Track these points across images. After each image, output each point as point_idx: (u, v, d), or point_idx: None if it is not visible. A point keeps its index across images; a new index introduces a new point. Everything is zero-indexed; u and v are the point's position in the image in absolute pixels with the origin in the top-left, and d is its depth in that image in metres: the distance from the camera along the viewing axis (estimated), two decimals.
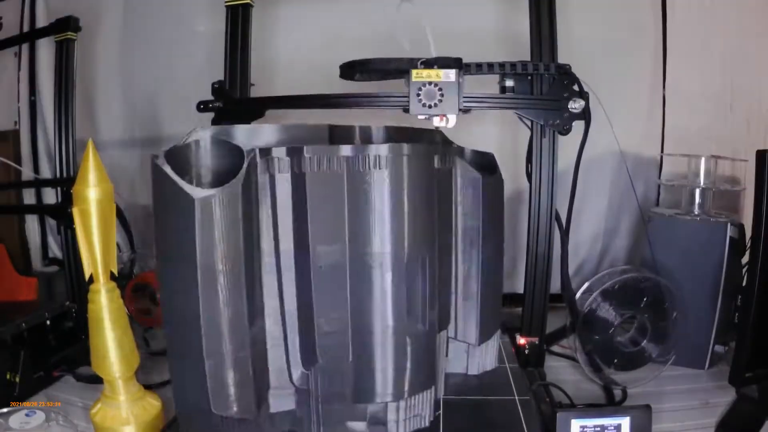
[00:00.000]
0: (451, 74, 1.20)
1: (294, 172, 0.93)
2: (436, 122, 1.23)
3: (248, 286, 0.89)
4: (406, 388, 0.98)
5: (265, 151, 0.92)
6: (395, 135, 1.06)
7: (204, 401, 0.87)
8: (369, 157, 0.92)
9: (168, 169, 0.84)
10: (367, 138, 1.06)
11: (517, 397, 1.15)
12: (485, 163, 1.24)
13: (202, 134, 0.93)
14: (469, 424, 1.06)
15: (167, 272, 0.90)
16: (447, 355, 1.22)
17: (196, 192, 0.83)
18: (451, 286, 1.19)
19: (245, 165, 0.88)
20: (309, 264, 0.94)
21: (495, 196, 1.24)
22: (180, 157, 0.89)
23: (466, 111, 1.27)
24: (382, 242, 0.93)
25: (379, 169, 0.92)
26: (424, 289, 0.99)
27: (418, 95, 1.20)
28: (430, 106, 1.20)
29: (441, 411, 1.08)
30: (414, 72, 1.20)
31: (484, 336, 1.22)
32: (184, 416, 0.94)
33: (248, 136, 0.96)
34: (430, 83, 1.20)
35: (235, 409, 0.89)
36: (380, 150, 0.92)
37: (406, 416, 1.00)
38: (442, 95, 1.20)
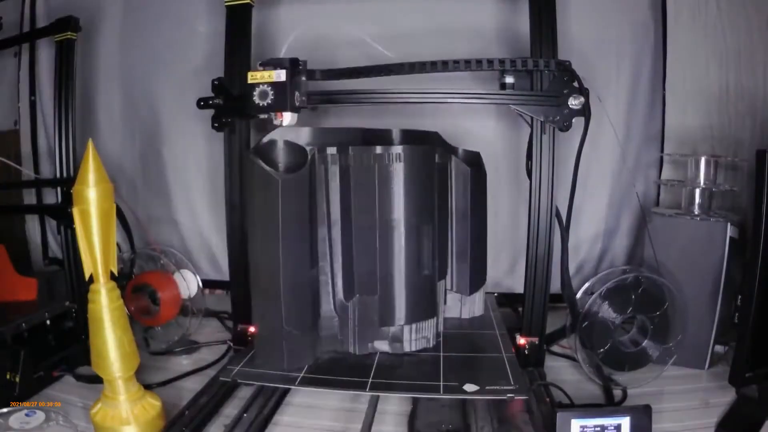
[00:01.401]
0: (282, 74, 1.29)
1: (341, 165, 1.33)
2: (275, 120, 1.32)
3: (311, 240, 1.31)
4: (416, 315, 1.37)
5: (321, 149, 1.32)
6: (407, 135, 1.39)
7: (278, 320, 1.24)
8: (392, 155, 1.31)
9: (259, 161, 1.22)
10: (388, 136, 1.38)
11: (497, 331, 1.52)
12: (473, 160, 1.56)
13: (276, 136, 1.28)
14: (461, 346, 1.42)
15: (258, 234, 1.27)
16: (446, 303, 1.56)
17: (281, 176, 1.22)
18: (448, 249, 1.55)
19: (308, 159, 1.28)
20: (351, 227, 1.34)
21: (480, 184, 1.60)
22: (262, 152, 1.26)
23: (312, 108, 1.38)
24: (398, 212, 1.33)
25: (398, 162, 1.31)
26: (428, 245, 1.38)
27: (253, 95, 1.30)
28: (263, 105, 1.30)
29: (441, 338, 1.45)
30: (249, 74, 1.31)
31: (473, 288, 1.59)
32: (262, 336, 1.31)
33: (303, 137, 1.32)
34: (263, 84, 1.30)
35: (299, 326, 1.27)
36: (399, 149, 1.31)
37: (417, 337, 1.38)
38: (273, 94, 1.30)
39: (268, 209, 1.22)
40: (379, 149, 1.31)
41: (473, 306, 1.62)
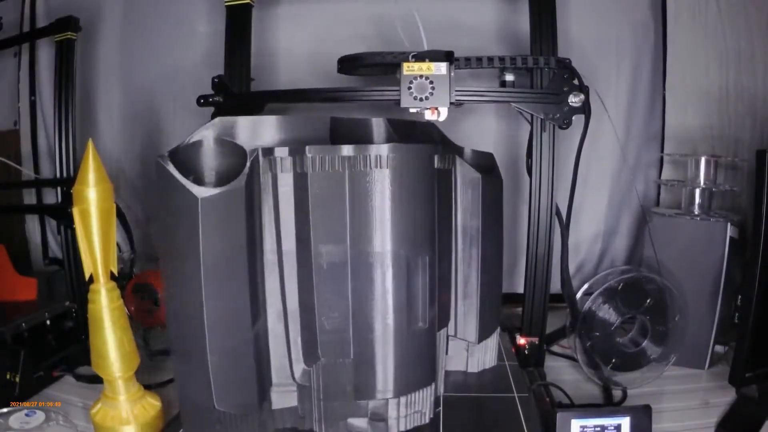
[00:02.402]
0: (442, 67, 1.21)
1: (296, 172, 0.94)
2: (428, 115, 1.24)
3: (251, 284, 0.91)
4: (407, 385, 1.00)
5: (268, 151, 0.94)
6: (394, 127, 1.05)
7: (207, 397, 0.89)
8: (370, 157, 0.93)
9: (172, 169, 0.86)
10: (367, 130, 1.05)
11: (516, 395, 1.16)
12: (484, 163, 1.25)
13: (206, 133, 0.93)
14: (469, 420, 1.08)
15: (172, 270, 0.91)
16: (447, 353, 1.24)
17: (200, 191, 0.85)
18: (451, 284, 1.20)
19: (248, 164, 0.90)
20: (311, 262, 0.95)
21: (494, 195, 1.25)
22: (184, 156, 0.90)
23: (458, 104, 1.28)
24: (382, 241, 0.95)
25: (380, 168, 0.93)
26: (424, 287, 1.00)
27: (410, 88, 1.21)
28: (421, 99, 1.22)
29: (441, 408, 1.10)
30: (405, 65, 1.21)
31: (483, 334, 1.24)
32: (187, 412, 0.96)
33: (250, 131, 0.96)
34: (421, 76, 1.21)
35: (237, 405, 0.91)
36: (381, 150, 0.93)
37: (407, 413, 1.02)
38: (433, 88, 1.21)
39: (184, 239, 0.86)
40: (349, 150, 0.92)
41: (483, 356, 1.27)
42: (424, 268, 1.00)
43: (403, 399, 1.01)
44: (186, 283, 0.88)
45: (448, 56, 1.22)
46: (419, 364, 1.02)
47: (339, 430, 1.01)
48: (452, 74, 1.24)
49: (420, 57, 1.22)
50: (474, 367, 1.28)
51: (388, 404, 1.00)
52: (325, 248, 0.95)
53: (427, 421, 1.05)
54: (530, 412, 1.08)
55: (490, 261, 1.23)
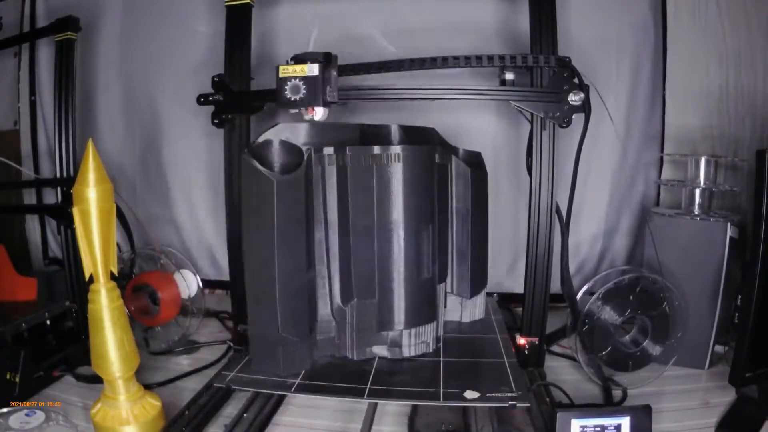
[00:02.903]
0: (314, 68, 1.25)
1: (339, 165, 1.29)
2: (306, 115, 1.29)
3: (307, 243, 1.26)
4: (416, 319, 1.33)
5: (318, 150, 1.28)
6: (406, 132, 1.38)
7: (273, 327, 1.21)
8: (391, 155, 1.28)
9: (254, 162, 1.19)
10: (386, 133, 1.38)
11: (498, 335, 1.48)
12: (473, 160, 1.53)
13: (271, 135, 1.25)
14: (462, 350, 1.39)
15: (252, 236, 1.23)
16: (446, 306, 1.52)
17: (276, 176, 1.19)
18: (448, 252, 1.51)
19: (305, 159, 1.24)
20: (348, 229, 1.31)
21: (481, 185, 1.56)
22: (257, 152, 1.22)
23: (342, 103, 1.37)
24: (398, 213, 1.29)
25: (397, 162, 1.28)
26: (428, 248, 1.35)
27: (285, 89, 1.26)
28: (295, 100, 1.27)
29: (441, 343, 1.41)
30: (281, 68, 1.27)
31: (474, 291, 1.55)
32: (256, 341, 1.27)
33: (300, 134, 1.30)
34: (294, 78, 1.26)
35: (295, 332, 1.24)
36: (397, 149, 1.28)
37: (416, 342, 1.35)
38: (305, 89, 1.26)
39: (262, 211, 1.19)
40: (377, 149, 1.28)
41: (474, 309, 1.59)
42: (427, 234, 1.35)
43: (413, 330, 1.34)
44: (263, 244, 1.20)
45: (326, 57, 1.27)
46: (425, 304, 1.36)
47: (365, 354, 1.33)
48: (334, 74, 1.29)
49: (300, 59, 1.27)
50: (466, 318, 1.58)
51: (402, 334, 1.33)
52: (359, 219, 1.30)
53: (431, 350, 1.37)
54: (508, 347, 1.38)
55: (478, 235, 1.54)
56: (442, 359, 1.33)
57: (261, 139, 1.24)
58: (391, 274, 1.31)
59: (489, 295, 1.73)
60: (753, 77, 1.77)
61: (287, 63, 1.27)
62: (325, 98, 1.28)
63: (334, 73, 1.30)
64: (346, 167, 1.29)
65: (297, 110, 1.29)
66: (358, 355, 1.32)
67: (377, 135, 1.36)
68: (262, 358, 1.26)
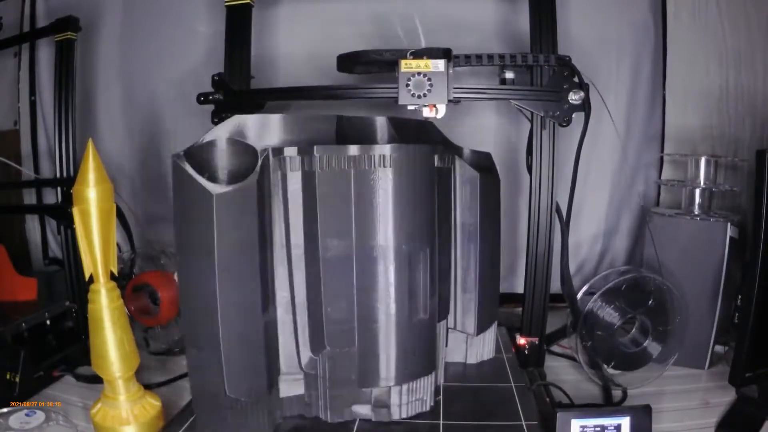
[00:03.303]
0: (440, 64, 1.21)
1: (304, 170, 0.99)
2: (426, 113, 1.24)
3: (262, 276, 0.95)
4: (408, 373, 1.04)
5: (278, 151, 0.98)
6: (396, 127, 1.10)
7: (219, 385, 0.92)
8: (374, 157, 0.97)
9: (188, 168, 0.90)
10: (371, 129, 1.10)
11: (513, 384, 1.20)
12: (483, 163, 1.29)
13: (219, 133, 0.97)
14: (468, 408, 1.11)
15: (187, 264, 0.95)
16: (447, 345, 1.28)
17: (215, 188, 0.89)
18: (451, 278, 1.25)
19: (259, 163, 0.95)
20: (318, 256, 0.99)
21: (492, 193, 1.30)
22: (198, 155, 0.94)
23: (456, 102, 1.28)
24: (385, 236, 0.99)
25: (384, 167, 0.97)
26: (425, 279, 1.05)
27: (407, 85, 1.21)
28: (419, 96, 1.21)
29: (441, 396, 1.14)
30: (403, 62, 1.21)
31: (482, 327, 1.28)
32: (200, 399, 0.99)
33: (261, 130, 1.01)
34: (419, 74, 1.21)
35: (248, 392, 0.95)
36: (384, 150, 0.97)
37: (408, 400, 1.06)
38: (431, 85, 1.21)
39: (199, 233, 0.90)
40: (354, 149, 0.97)
41: (482, 348, 1.32)
42: (424, 261, 1.04)
43: (404, 387, 1.05)
44: (201, 275, 0.91)
45: (446, 53, 1.22)
46: (420, 353, 1.06)
47: (344, 416, 1.05)
48: (451, 71, 1.24)
49: (418, 54, 1.22)
50: (473, 359, 1.32)
51: (391, 392, 1.04)
52: (332, 242, 0.99)
53: (428, 408, 1.09)
54: (527, 401, 1.12)
55: (487, 256, 1.27)
56: (441, 422, 1.05)
57: (206, 137, 0.96)
58: (375, 315, 1.01)
59: (500, 326, 1.48)
60: (753, 77, 1.77)
61: (408, 56, 1.22)
62: (450, 95, 1.23)
63: (452, 71, 1.25)
64: (313, 173, 0.98)
65: (416, 107, 1.24)
66: (333, 417, 1.04)
67: (359, 130, 1.08)
68: (209, 423, 0.98)
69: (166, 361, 1.56)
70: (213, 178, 0.93)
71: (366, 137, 1.08)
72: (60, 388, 1.38)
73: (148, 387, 1.25)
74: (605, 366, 1.38)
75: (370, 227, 0.99)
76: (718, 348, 1.50)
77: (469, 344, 1.31)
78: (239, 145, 0.97)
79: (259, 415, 0.97)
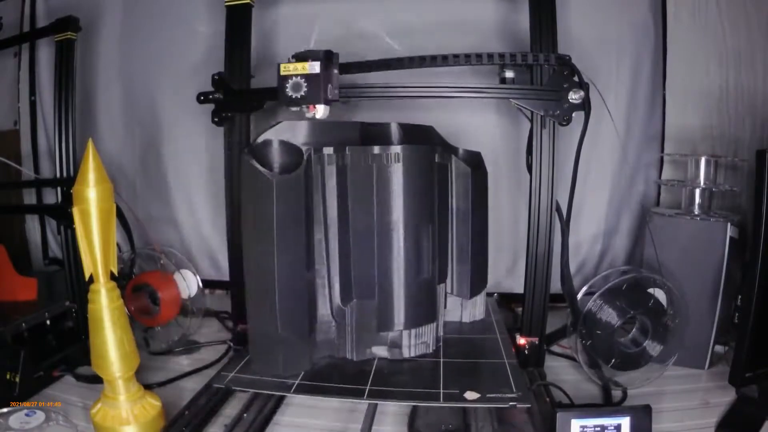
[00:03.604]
0: (315, 66, 1.24)
1: (338, 165, 1.31)
2: (308, 113, 1.27)
3: (307, 243, 1.26)
4: (415, 320, 1.34)
5: (318, 150, 1.29)
6: (405, 131, 1.38)
7: (273, 326, 1.21)
8: (390, 155, 1.29)
9: (253, 161, 1.19)
10: (386, 133, 1.38)
11: (498, 336, 1.49)
12: (474, 160, 1.54)
13: (271, 135, 1.26)
14: (462, 351, 1.40)
15: (252, 236, 1.23)
16: (446, 307, 1.53)
17: (275, 176, 1.19)
18: (448, 252, 1.51)
19: (304, 158, 1.25)
20: (348, 229, 1.31)
21: (481, 185, 1.57)
22: (257, 152, 1.23)
23: (344, 102, 1.35)
24: (398, 213, 1.30)
25: (397, 162, 1.29)
26: (428, 248, 1.35)
27: (286, 87, 1.25)
28: (296, 98, 1.26)
29: (441, 343, 1.42)
30: (282, 66, 1.26)
31: (474, 292, 1.56)
32: (256, 339, 1.27)
33: (303, 133, 1.31)
34: (296, 75, 1.25)
35: (294, 331, 1.24)
36: (398, 149, 1.29)
37: (416, 342, 1.35)
38: (307, 87, 1.25)
39: (262, 211, 1.19)
40: (377, 149, 1.28)
41: (474, 309, 1.59)
42: (427, 234, 1.35)
43: (413, 331, 1.34)
44: (262, 243, 1.20)
45: (327, 55, 1.26)
46: (424, 304, 1.36)
47: (366, 355, 1.34)
48: (335, 72, 1.29)
49: (302, 57, 1.26)
50: (467, 318, 1.59)
51: (402, 335, 1.33)
52: (359, 219, 1.31)
53: (431, 350, 1.38)
54: (508, 347, 1.39)
55: (478, 235, 1.54)
56: (442, 360, 1.34)
57: (261, 138, 1.25)
58: (390, 275, 1.31)
59: (489, 295, 1.74)
60: (753, 77, 1.77)
61: (288, 61, 1.26)
62: (327, 96, 1.27)
63: (336, 71, 1.30)
64: (345, 167, 1.30)
65: (298, 108, 1.28)
66: (357, 355, 1.33)
67: (377, 134, 1.36)
68: (262, 358, 1.26)
69: (166, 361, 1.56)
70: (270, 170, 1.21)
71: (383, 139, 1.36)
72: (60, 388, 1.38)
73: (148, 387, 1.25)
74: (605, 366, 1.38)
75: (387, 207, 1.30)
76: (718, 348, 1.50)
77: (463, 307, 1.59)
78: (288, 144, 1.26)
79: (302, 350, 1.26)
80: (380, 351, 1.34)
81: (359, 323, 1.32)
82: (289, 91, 1.26)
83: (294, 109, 1.28)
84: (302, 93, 1.25)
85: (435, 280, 1.40)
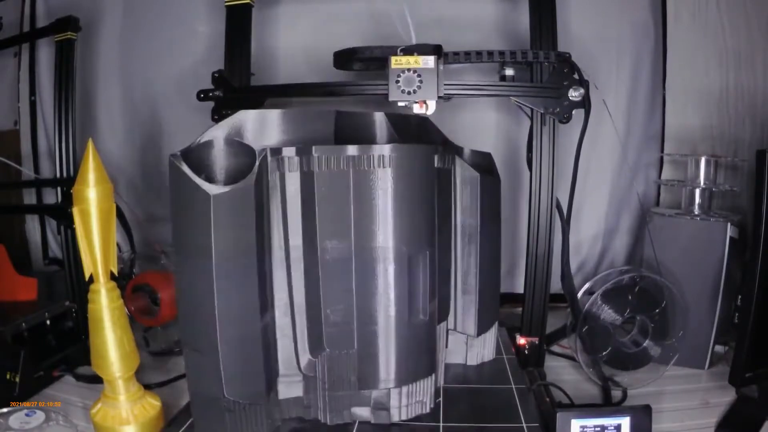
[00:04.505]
0: (429, 61, 1.22)
1: (303, 171, 0.97)
2: (416, 109, 1.25)
3: (260, 278, 0.94)
4: (408, 375, 1.03)
5: (276, 151, 0.97)
6: (395, 125, 1.08)
7: (217, 387, 0.91)
8: (374, 157, 0.96)
9: (185, 168, 0.90)
10: (369, 127, 1.07)
11: (513, 386, 1.18)
12: (483, 163, 1.27)
13: (215, 133, 0.96)
14: (468, 410, 1.10)
15: (184, 265, 0.93)
16: (447, 346, 1.27)
17: (212, 189, 0.88)
18: (451, 280, 1.24)
19: (257, 164, 0.93)
20: (317, 258, 0.98)
21: (492, 194, 1.28)
22: (195, 156, 0.93)
23: (446, 98, 1.29)
24: (385, 237, 0.98)
25: (383, 168, 0.96)
26: (425, 281, 1.03)
27: (398, 81, 1.22)
28: (409, 92, 1.22)
29: (441, 398, 1.12)
30: (393, 59, 1.22)
31: (482, 328, 1.27)
32: (198, 402, 0.97)
33: (259, 127, 0.99)
34: (408, 70, 1.22)
35: (246, 394, 0.94)
36: (383, 150, 0.96)
37: (408, 402, 1.05)
38: (420, 81, 1.22)
39: (197, 235, 0.89)
40: (353, 149, 0.96)
41: (482, 349, 1.30)
42: (424, 263, 1.03)
43: (404, 389, 1.04)
44: (198, 277, 0.90)
45: (436, 50, 1.22)
46: (420, 355, 1.06)
47: (343, 418, 1.04)
48: (441, 67, 1.25)
49: (408, 51, 1.22)
50: (473, 360, 1.30)
51: (390, 394, 1.03)
52: (331, 244, 0.98)
53: (428, 410, 1.08)
54: (527, 403, 1.11)
55: (488, 257, 1.25)
56: (441, 424, 1.04)
57: (204, 137, 0.96)
58: (374, 317, 1.00)
59: (501, 326, 1.47)
60: (753, 77, 1.77)
61: (398, 54, 1.22)
62: (440, 92, 1.24)
63: (442, 67, 1.26)
64: (312, 173, 0.97)
65: (406, 104, 1.25)
66: (332, 419, 1.03)
67: (357, 127, 1.06)
68: (207, 425, 0.96)
69: (166, 361, 1.56)
70: (210, 179, 0.91)
71: (364, 135, 1.05)
72: (60, 388, 1.38)
73: (148, 387, 1.25)
74: (605, 366, 1.38)
75: (369, 229, 0.97)
76: (718, 348, 1.50)
77: (469, 345, 1.29)
78: (237, 145, 0.96)
79: (258, 417, 0.96)
80: (362, 412, 1.04)
81: (334, 380, 1.01)
82: (402, 86, 1.22)
83: (401, 104, 1.25)
84: (415, 87, 1.22)
85: (434, 321, 1.10)
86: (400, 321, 1.01)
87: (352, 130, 1.05)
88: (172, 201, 0.94)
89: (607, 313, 1.39)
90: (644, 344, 1.41)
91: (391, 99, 1.25)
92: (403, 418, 1.05)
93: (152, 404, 1.16)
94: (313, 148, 0.96)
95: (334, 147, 0.98)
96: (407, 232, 1.00)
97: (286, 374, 1.03)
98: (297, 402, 1.05)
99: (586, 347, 1.38)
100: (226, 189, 0.88)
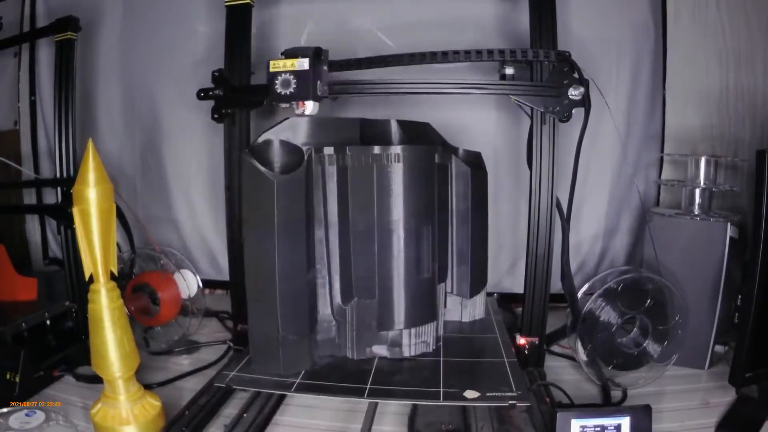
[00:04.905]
0: (304, 63, 1.25)
1: (339, 165, 1.29)
2: (296, 109, 1.29)
3: (308, 243, 1.25)
4: (415, 319, 1.34)
5: (318, 149, 1.28)
6: (405, 131, 1.38)
7: (273, 327, 1.22)
8: (391, 155, 1.29)
9: (255, 162, 1.19)
10: (387, 132, 1.38)
11: (498, 336, 1.47)
12: (473, 160, 1.53)
13: (272, 135, 1.25)
14: (462, 350, 1.40)
15: (252, 236, 1.24)
16: (446, 306, 1.53)
17: (276, 176, 1.19)
18: (448, 251, 1.51)
19: (305, 159, 1.24)
20: (349, 229, 1.31)
21: (481, 185, 1.56)
22: (257, 152, 1.23)
23: (333, 98, 1.36)
24: (398, 213, 1.30)
25: (397, 163, 1.29)
26: (428, 247, 1.35)
27: (275, 84, 1.27)
28: (285, 94, 1.27)
29: (441, 342, 1.42)
30: (271, 62, 1.28)
31: (473, 291, 1.55)
32: (257, 340, 1.27)
33: (303, 131, 1.30)
34: (285, 72, 1.27)
35: (295, 331, 1.24)
36: (398, 150, 1.29)
37: (416, 341, 1.35)
38: (296, 83, 1.26)
39: (263, 211, 1.19)
40: (377, 149, 1.28)
41: (474, 309, 1.59)
42: (427, 233, 1.35)
43: (413, 330, 1.34)
44: (263, 243, 1.20)
45: (316, 52, 1.26)
46: (424, 304, 1.37)
47: (365, 354, 1.33)
48: (324, 68, 1.30)
49: (291, 53, 1.26)
50: (467, 318, 1.58)
51: (402, 334, 1.33)
52: (359, 218, 1.30)
53: (431, 349, 1.37)
54: (508, 347, 1.39)
55: (478, 235, 1.54)
56: (442, 359, 1.33)
57: (261, 138, 1.24)
58: (391, 274, 1.31)
59: (489, 294, 1.73)
60: (753, 77, 1.77)
61: (279, 58, 1.27)
62: (316, 92, 1.28)
63: (325, 68, 1.30)
64: (346, 167, 1.29)
65: (288, 105, 1.29)
66: (358, 354, 1.33)
67: (377, 132, 1.37)
68: (263, 358, 1.26)
69: (166, 361, 1.56)
70: (270, 169, 1.20)
71: (383, 138, 1.36)
72: (60, 388, 1.38)
73: (148, 387, 1.26)
74: (605, 366, 1.38)
75: (387, 207, 1.30)
76: (718, 348, 1.50)
77: (463, 306, 1.58)
78: (288, 144, 1.26)
79: (302, 352, 1.26)
80: (380, 350, 1.34)
81: (359, 322, 1.32)
82: (278, 88, 1.27)
83: (284, 105, 1.29)
84: (291, 89, 1.26)
85: (435, 280, 1.39)
86: (409, 277, 1.32)
87: (373, 134, 1.38)
88: (243, 186, 1.30)
89: (607, 313, 1.39)
90: (644, 344, 1.41)
91: (269, 100, 1.31)
92: (412, 353, 1.34)
93: (152, 404, 1.16)
94: (347, 148, 1.29)
95: (363, 147, 1.31)
96: (414, 209, 1.32)
97: (323, 319, 1.33)
98: (330, 342, 1.34)
99: (586, 347, 1.38)
100: (285, 177, 1.19)
